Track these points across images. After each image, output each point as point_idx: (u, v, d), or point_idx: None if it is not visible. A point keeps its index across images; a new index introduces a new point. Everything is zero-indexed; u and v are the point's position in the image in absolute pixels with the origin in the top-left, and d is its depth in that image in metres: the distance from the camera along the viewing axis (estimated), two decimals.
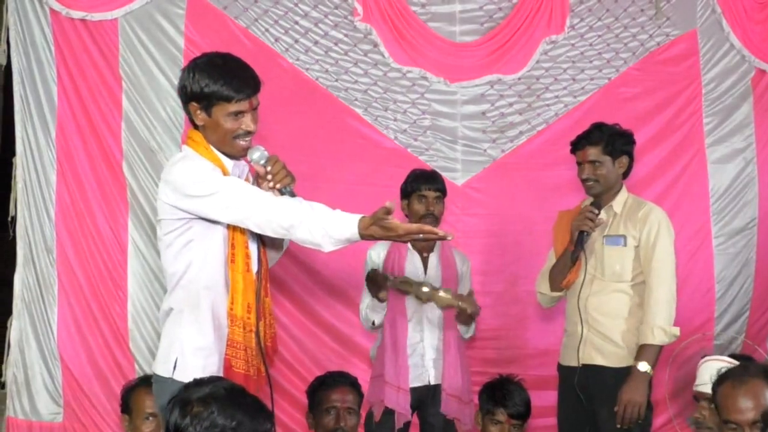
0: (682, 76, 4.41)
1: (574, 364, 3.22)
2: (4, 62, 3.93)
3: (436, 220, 3.45)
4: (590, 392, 3.15)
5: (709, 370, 2.77)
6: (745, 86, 4.47)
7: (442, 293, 3.32)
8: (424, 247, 3.53)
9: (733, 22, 4.43)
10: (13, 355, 3.83)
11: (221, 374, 2.30)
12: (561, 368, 3.36)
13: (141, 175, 3.90)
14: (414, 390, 3.39)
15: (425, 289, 3.32)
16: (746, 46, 4.44)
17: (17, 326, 3.83)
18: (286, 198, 2.32)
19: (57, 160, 3.87)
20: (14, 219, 3.87)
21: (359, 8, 4.14)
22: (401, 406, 3.35)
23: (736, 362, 2.72)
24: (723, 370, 2.32)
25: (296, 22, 4.12)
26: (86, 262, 3.89)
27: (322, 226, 2.23)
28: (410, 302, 3.45)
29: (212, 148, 2.37)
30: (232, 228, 2.35)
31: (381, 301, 3.41)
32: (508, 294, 4.21)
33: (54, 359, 3.84)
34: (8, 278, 3.89)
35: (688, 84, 4.41)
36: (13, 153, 3.90)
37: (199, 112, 2.35)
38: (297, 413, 3.91)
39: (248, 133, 2.36)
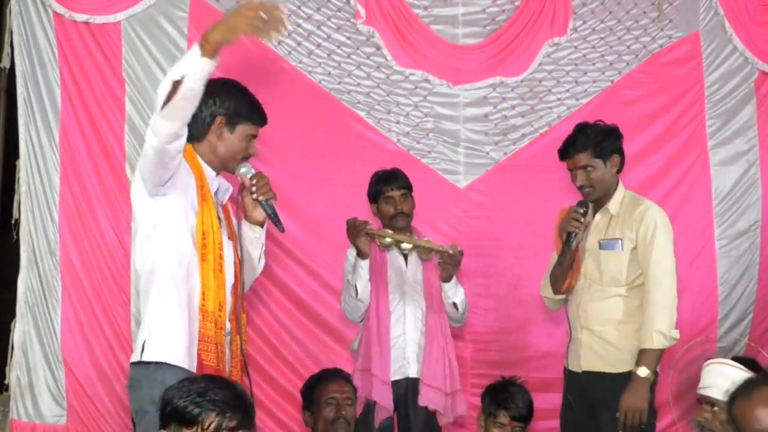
0: (684, 78, 4.41)
1: (575, 369, 3.19)
2: (7, 65, 3.95)
3: (407, 218, 3.50)
4: (591, 398, 3.11)
5: (713, 373, 2.77)
6: (748, 88, 4.46)
7: (422, 243, 3.36)
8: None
9: (736, 24, 4.42)
10: (16, 358, 3.84)
11: (191, 362, 2.37)
12: (566, 372, 3.31)
13: None
14: (394, 383, 3.41)
15: (405, 238, 3.36)
16: (749, 48, 4.43)
17: (21, 329, 3.85)
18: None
19: (60, 163, 3.89)
20: (18, 222, 3.88)
21: (362, 11, 4.14)
22: (385, 400, 3.38)
23: (740, 366, 2.71)
24: (731, 391, 2.29)
25: (299, 25, 4.13)
26: (89, 265, 3.89)
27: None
28: (393, 295, 3.48)
29: (199, 158, 2.51)
30: (202, 228, 2.44)
31: (362, 257, 3.38)
32: (511, 296, 4.21)
33: (57, 362, 3.85)
34: (12, 281, 3.90)
35: (691, 86, 4.41)
36: (16, 156, 3.91)
37: (224, 128, 2.53)
38: (297, 413, 3.91)
39: (251, 156, 2.57)
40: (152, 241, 2.43)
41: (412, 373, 3.44)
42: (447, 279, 3.44)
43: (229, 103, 2.52)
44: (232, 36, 2.25)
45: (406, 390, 3.44)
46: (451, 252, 3.37)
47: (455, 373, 3.50)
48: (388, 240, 3.37)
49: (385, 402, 3.38)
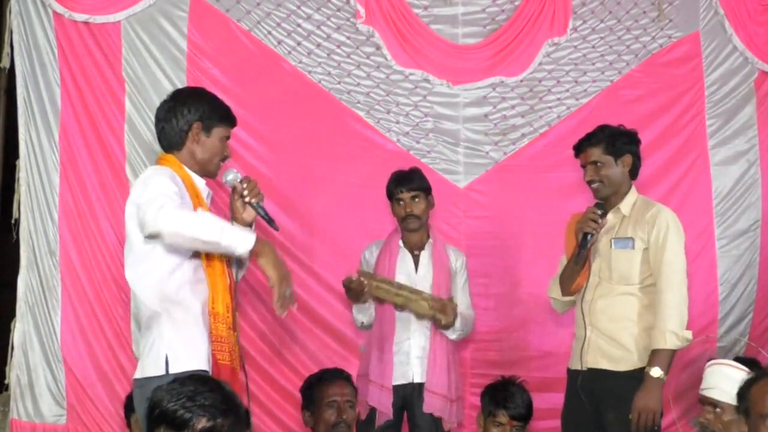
0: (684, 78, 4.41)
1: (579, 367, 3.17)
2: (7, 65, 3.94)
3: (417, 220, 3.48)
4: (596, 396, 3.10)
5: (715, 374, 2.76)
6: (748, 88, 4.47)
7: (419, 302, 3.35)
8: (415, 245, 3.54)
9: (736, 24, 4.43)
10: (16, 358, 3.83)
11: (209, 365, 2.48)
12: (568, 372, 3.30)
13: None
14: (398, 388, 3.41)
15: (401, 297, 3.36)
16: (749, 48, 4.44)
17: (21, 329, 3.84)
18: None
19: (60, 163, 3.88)
20: (18, 222, 3.87)
21: (362, 11, 4.14)
22: (383, 404, 3.37)
23: (743, 366, 2.71)
24: (746, 377, 2.30)
25: (299, 25, 4.13)
26: (89, 265, 3.89)
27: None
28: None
29: (185, 167, 2.63)
30: None
31: (363, 302, 3.43)
32: (511, 296, 4.21)
33: (57, 362, 3.84)
34: (12, 281, 3.89)
35: (691, 86, 4.41)
36: (16, 156, 3.90)
37: (201, 134, 2.65)
38: (297, 413, 3.91)
39: (227, 157, 2.72)
40: (151, 260, 2.51)
41: (417, 378, 3.44)
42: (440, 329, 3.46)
43: (203, 109, 2.65)
44: (266, 266, 2.47)
45: (411, 394, 3.43)
46: (443, 323, 3.36)
47: (458, 378, 3.53)
48: (382, 297, 3.38)
49: (382, 407, 3.38)
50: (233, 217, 2.71)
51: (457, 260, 3.59)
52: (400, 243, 3.55)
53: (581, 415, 3.16)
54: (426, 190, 3.52)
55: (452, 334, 3.48)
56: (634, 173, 3.20)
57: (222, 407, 1.82)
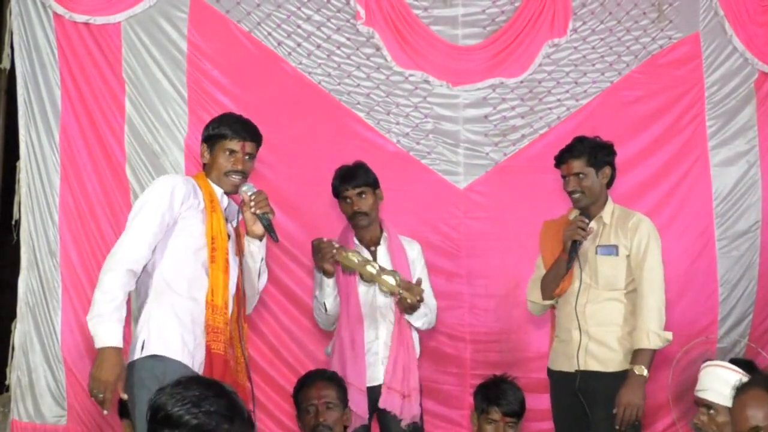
0: (684, 79, 4.41)
1: (566, 369, 3.28)
2: (7, 66, 3.95)
3: (366, 216, 3.41)
4: (586, 396, 3.20)
5: (709, 376, 2.77)
6: (748, 89, 4.47)
7: (385, 277, 3.22)
8: (371, 241, 3.49)
9: (735, 25, 4.43)
10: (17, 359, 3.84)
11: (185, 354, 2.61)
12: (552, 373, 3.41)
13: (144, 178, 3.91)
14: (368, 390, 3.34)
15: (369, 269, 3.22)
16: (749, 48, 4.44)
17: (21, 330, 3.84)
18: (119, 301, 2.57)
19: (60, 164, 3.88)
20: (18, 222, 3.88)
21: (362, 12, 4.15)
22: (360, 408, 3.31)
23: (737, 368, 2.72)
24: (737, 384, 2.34)
25: (299, 26, 4.14)
26: (90, 266, 3.89)
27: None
28: (364, 299, 3.41)
29: (210, 182, 2.83)
30: (212, 234, 2.71)
31: (328, 276, 3.29)
32: (510, 297, 4.21)
33: (58, 362, 3.85)
34: (12, 282, 3.90)
35: (691, 87, 4.41)
36: (16, 157, 3.91)
37: (206, 153, 2.87)
38: None
39: (237, 171, 2.81)
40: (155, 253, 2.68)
41: (386, 378, 3.37)
42: (405, 313, 3.35)
43: (208, 128, 2.88)
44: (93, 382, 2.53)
45: (379, 395, 3.36)
46: (409, 301, 3.23)
47: (415, 378, 3.41)
48: (351, 269, 3.27)
49: (359, 410, 3.31)
50: (246, 230, 2.86)
51: (412, 250, 3.54)
52: (356, 241, 3.47)
53: (572, 414, 3.26)
54: (372, 184, 3.43)
55: (417, 321, 3.40)
56: (609, 183, 3.37)
57: (227, 414, 1.81)
